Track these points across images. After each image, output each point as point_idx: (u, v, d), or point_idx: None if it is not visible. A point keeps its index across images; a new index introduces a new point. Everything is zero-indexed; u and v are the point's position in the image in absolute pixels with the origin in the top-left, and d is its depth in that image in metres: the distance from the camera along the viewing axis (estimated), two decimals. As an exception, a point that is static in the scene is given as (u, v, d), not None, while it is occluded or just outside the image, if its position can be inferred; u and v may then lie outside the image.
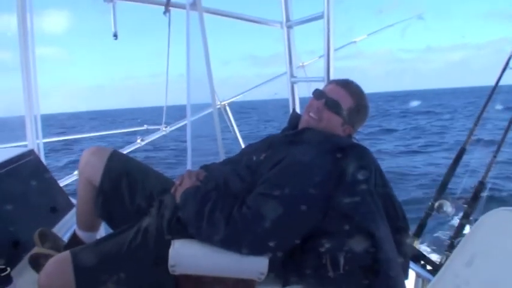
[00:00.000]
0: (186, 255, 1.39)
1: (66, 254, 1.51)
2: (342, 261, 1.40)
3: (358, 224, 1.40)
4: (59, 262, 1.49)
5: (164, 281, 1.44)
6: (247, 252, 1.36)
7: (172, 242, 1.41)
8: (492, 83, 2.38)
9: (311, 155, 1.46)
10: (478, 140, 2.35)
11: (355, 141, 1.64)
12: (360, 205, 1.42)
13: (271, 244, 1.37)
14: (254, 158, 1.54)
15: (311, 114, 1.66)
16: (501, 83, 2.38)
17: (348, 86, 1.67)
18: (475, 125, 2.38)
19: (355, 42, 6.39)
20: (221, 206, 1.39)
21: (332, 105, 1.63)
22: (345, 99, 1.63)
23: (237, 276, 1.39)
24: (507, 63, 2.35)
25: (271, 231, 1.35)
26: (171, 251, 1.38)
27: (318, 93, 1.70)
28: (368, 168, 1.47)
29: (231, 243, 1.36)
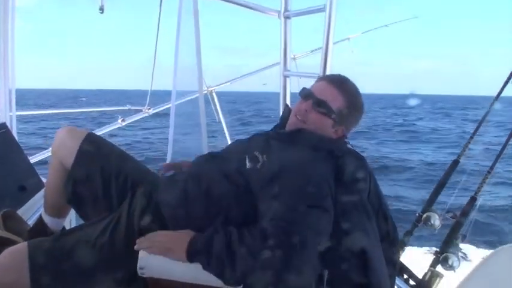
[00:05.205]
0: (157, 257, 1.27)
1: (23, 246, 1.38)
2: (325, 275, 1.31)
3: (346, 232, 1.33)
4: (15, 254, 1.37)
5: (132, 284, 1.33)
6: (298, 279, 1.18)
7: None
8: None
9: (309, 165, 1.37)
10: (473, 154, 2.27)
11: (350, 147, 1.54)
12: (351, 214, 1.35)
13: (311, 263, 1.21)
14: (248, 165, 1.41)
15: (298, 116, 1.54)
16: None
17: (339, 83, 1.53)
18: (471, 137, 2.29)
19: (348, 39, 6.30)
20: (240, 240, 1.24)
21: (320, 106, 1.50)
22: (335, 99, 1.50)
23: (211, 284, 1.27)
24: (510, 76, 2.25)
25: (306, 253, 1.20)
26: (141, 252, 1.26)
27: (305, 93, 1.56)
28: (364, 178, 1.42)
29: (280, 274, 1.17)
